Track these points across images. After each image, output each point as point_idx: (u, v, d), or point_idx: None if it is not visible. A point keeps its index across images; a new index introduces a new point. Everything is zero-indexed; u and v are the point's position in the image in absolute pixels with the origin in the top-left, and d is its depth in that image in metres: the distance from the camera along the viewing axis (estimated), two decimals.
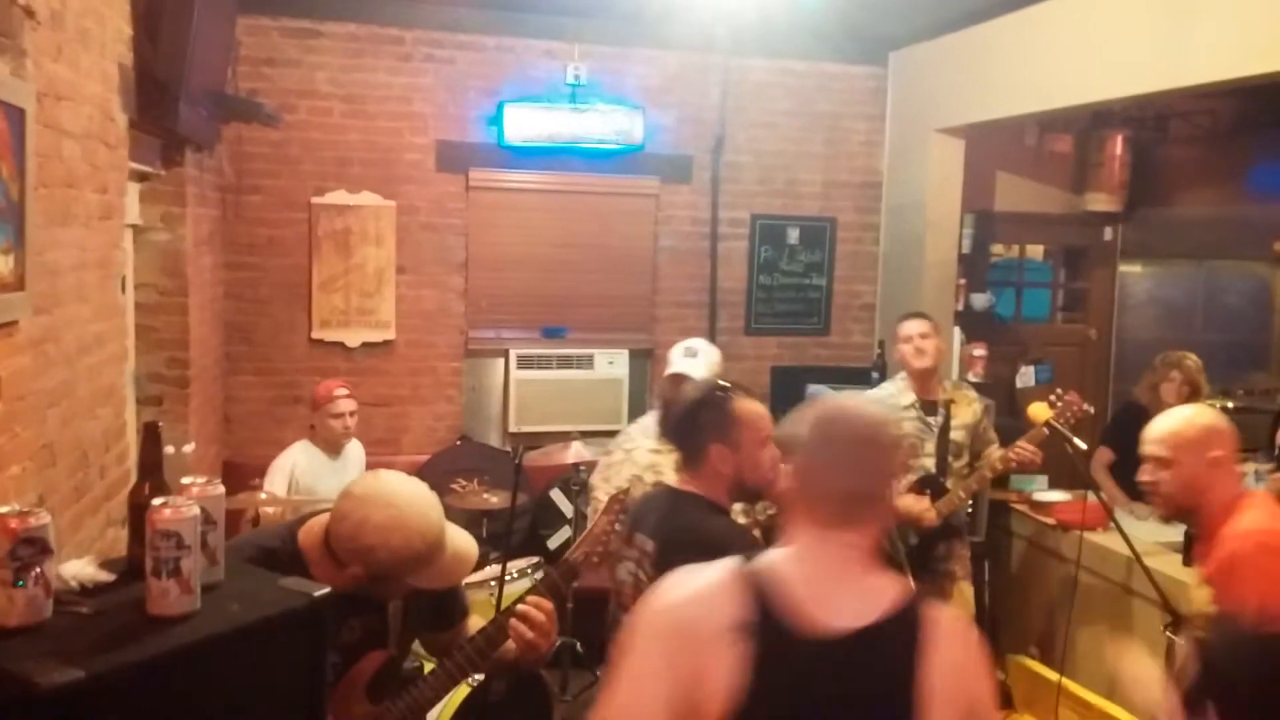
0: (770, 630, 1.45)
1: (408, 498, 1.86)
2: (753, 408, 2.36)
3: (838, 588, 1.51)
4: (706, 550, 1.71)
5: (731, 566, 1.54)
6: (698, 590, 1.51)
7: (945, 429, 3.91)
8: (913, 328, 3.95)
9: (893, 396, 3.99)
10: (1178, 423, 2.29)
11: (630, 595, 2.34)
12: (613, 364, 5.67)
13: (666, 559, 2.12)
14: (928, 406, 3.95)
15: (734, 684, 1.42)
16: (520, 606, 2.02)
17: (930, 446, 3.91)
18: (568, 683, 4.21)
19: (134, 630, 1.43)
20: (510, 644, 2.05)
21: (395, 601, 2.00)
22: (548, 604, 2.03)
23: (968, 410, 3.98)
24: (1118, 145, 6.08)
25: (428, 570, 1.87)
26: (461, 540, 1.95)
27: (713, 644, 1.44)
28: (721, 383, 2.48)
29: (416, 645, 2.29)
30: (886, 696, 1.46)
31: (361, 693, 1.93)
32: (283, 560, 1.84)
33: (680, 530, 2.30)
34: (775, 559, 1.54)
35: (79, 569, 1.56)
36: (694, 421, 2.36)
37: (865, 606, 1.49)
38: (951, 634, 1.50)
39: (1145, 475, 2.33)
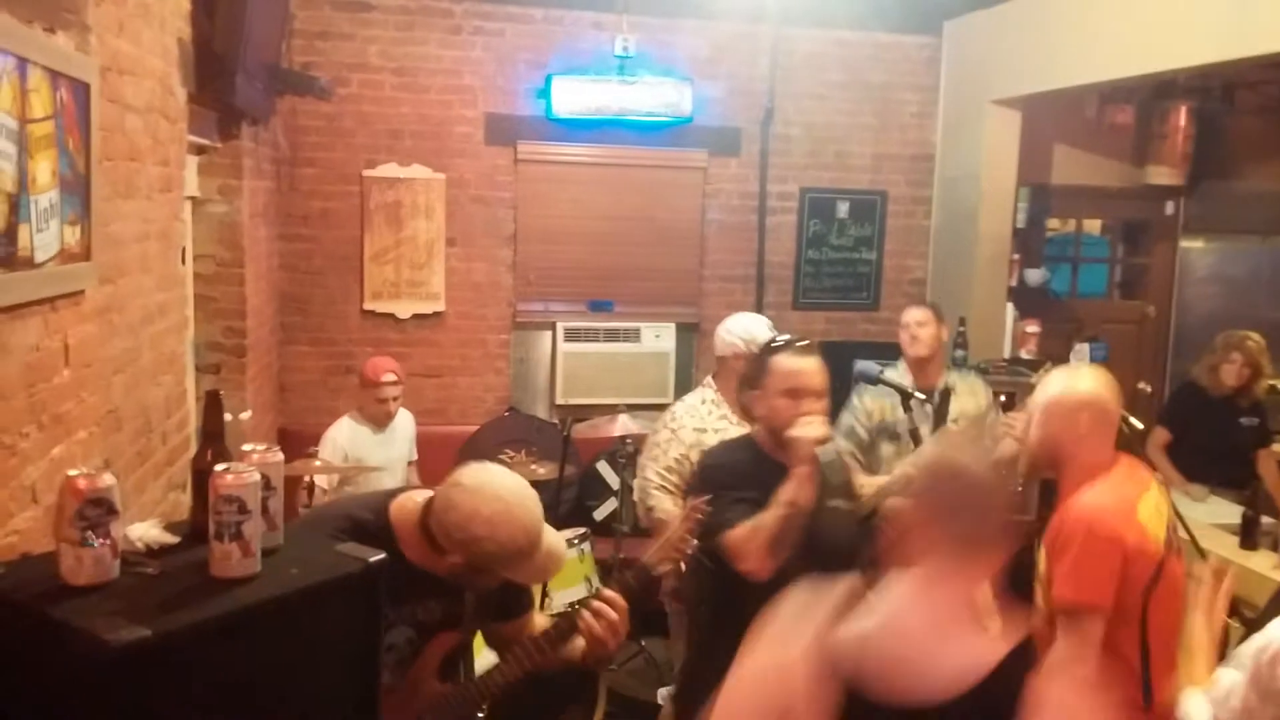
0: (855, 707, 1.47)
1: (515, 492, 1.87)
2: (785, 360, 2.51)
3: (936, 649, 1.51)
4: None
5: (825, 629, 1.52)
6: (785, 664, 1.50)
7: (942, 416, 3.84)
8: (910, 315, 3.98)
9: (896, 378, 3.93)
10: (1059, 390, 2.31)
11: None
12: (659, 337, 5.67)
13: None
14: (925, 393, 3.89)
15: None
16: (594, 602, 2.03)
17: (926, 431, 3.83)
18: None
19: (198, 591, 1.48)
20: (579, 640, 2.05)
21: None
22: (622, 602, 2.03)
23: (970, 400, 3.91)
24: (1181, 117, 5.90)
25: (526, 565, 1.87)
26: (554, 537, 1.94)
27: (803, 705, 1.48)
28: (780, 337, 2.62)
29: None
30: None
31: (434, 671, 1.97)
32: (373, 533, 1.86)
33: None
34: (874, 620, 1.54)
35: (145, 531, 1.62)
36: (747, 372, 2.69)
37: (960, 670, 1.48)
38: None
39: (1018, 425, 2.44)
